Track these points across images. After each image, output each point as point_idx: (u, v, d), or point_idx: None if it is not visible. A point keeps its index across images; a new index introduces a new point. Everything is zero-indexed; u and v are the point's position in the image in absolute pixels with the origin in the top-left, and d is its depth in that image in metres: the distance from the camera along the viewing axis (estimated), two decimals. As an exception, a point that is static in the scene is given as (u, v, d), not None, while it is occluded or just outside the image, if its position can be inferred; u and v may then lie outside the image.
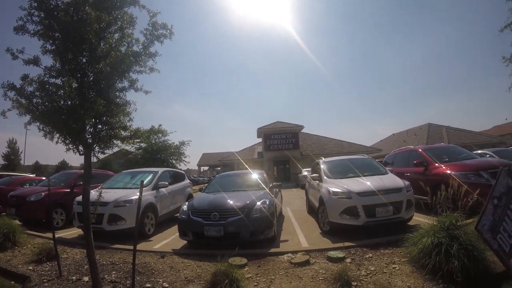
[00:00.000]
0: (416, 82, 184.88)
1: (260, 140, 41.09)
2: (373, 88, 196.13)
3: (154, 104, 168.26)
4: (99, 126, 5.16)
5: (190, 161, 67.98)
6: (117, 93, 5.41)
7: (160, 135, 33.71)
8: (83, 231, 4.95)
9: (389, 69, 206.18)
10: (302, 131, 41.59)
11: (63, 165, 52.61)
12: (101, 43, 4.90)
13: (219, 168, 49.23)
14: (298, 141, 38.83)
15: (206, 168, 64.81)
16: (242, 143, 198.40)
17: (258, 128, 39.01)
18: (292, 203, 15.02)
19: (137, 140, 5.45)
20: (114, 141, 5.43)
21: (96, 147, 5.18)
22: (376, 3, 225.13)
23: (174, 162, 33.79)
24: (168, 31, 5.51)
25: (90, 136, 5.04)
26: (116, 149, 6.01)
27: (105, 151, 5.44)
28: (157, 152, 32.40)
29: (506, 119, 71.54)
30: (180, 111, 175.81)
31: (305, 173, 19.09)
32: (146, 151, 32.75)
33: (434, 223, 5.26)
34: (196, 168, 66.09)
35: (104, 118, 5.13)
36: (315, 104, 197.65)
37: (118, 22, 5.14)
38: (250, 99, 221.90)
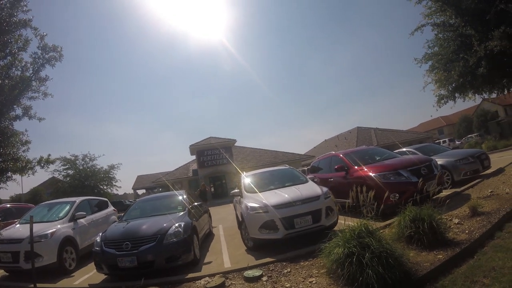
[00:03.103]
0: (344, 86, 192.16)
1: (194, 157, 40.53)
2: (305, 96, 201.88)
3: (79, 126, 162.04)
4: None
5: (125, 184, 66.46)
6: (9, 122, 5.01)
7: (87, 159, 32.73)
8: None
9: (319, 76, 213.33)
10: (236, 144, 41.47)
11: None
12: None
13: (158, 190, 48.18)
14: (232, 155, 38.58)
15: (143, 191, 63.14)
16: (177, 160, 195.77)
17: (190, 145, 38.32)
18: (226, 219, 14.78)
19: (30, 172, 5.08)
20: (8, 174, 5.03)
21: None
22: (305, 14, 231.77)
23: (105, 187, 32.90)
24: (58, 53, 5.18)
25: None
26: (10, 181, 5.60)
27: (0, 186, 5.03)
28: (86, 179, 31.31)
29: (431, 116, 76.19)
30: (109, 131, 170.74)
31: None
32: (74, 178, 31.58)
33: (345, 231, 5.12)
34: (132, 191, 64.22)
35: (1, 150, 4.73)
36: (249, 116, 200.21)
37: (8, 48, 4.75)
38: (182, 114, 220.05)
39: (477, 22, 12.12)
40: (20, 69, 5.00)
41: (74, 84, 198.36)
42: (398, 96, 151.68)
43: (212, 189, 39.23)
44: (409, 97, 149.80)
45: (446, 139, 49.02)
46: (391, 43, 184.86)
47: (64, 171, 32.80)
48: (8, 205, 14.32)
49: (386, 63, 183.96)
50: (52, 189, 34.36)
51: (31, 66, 5.06)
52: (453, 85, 13.61)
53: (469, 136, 51.67)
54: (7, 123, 4.95)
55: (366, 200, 5.87)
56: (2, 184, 5.00)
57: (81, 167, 32.85)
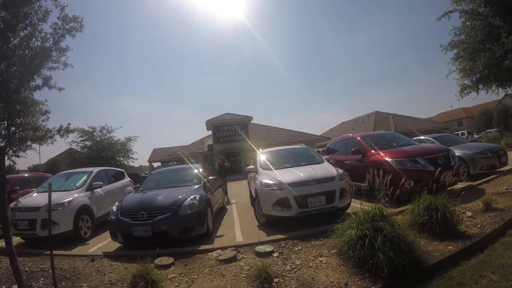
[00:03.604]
0: (363, 71, 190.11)
1: (209, 132, 40.64)
2: (322, 78, 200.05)
3: (98, 99, 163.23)
4: (13, 128, 4.86)
5: (141, 157, 66.75)
6: (30, 92, 5.12)
7: (105, 131, 32.98)
8: (4, 239, 4.66)
9: (337, 59, 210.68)
10: (251, 122, 41.44)
11: (8, 169, 50.39)
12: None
13: (173, 163, 48.55)
14: (248, 132, 38.61)
15: (159, 164, 63.68)
16: (193, 135, 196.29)
17: (206, 121, 38.47)
18: (239, 195, 14.99)
19: (49, 140, 5.17)
20: (28, 143, 5.15)
21: (10, 151, 4.89)
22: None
23: (121, 159, 33.18)
24: (79, 24, 5.24)
25: (1, 139, 4.75)
26: (30, 150, 5.72)
27: (19, 154, 5.15)
28: (103, 150, 31.60)
29: (451, 106, 74.91)
30: (127, 105, 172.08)
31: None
32: (92, 149, 31.91)
33: (359, 214, 5.11)
34: (147, 164, 64.84)
35: (20, 119, 4.85)
36: (265, 94, 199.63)
37: (28, 19, 4.83)
38: (199, 89, 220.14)
39: (507, 13, 11.73)
40: (40, 40, 5.05)
41: (94, 58, 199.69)
42: (417, 84, 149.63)
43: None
44: (429, 85, 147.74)
45: (465, 132, 48.19)
46: (413, 30, 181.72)
47: (82, 142, 33.09)
48: (26, 175, 14.55)
49: (407, 50, 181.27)
50: (69, 160, 34.81)
51: (51, 37, 5.11)
52: (477, 75, 13.25)
53: (488, 130, 50.69)
54: (27, 93, 5.04)
55: (382, 184, 5.85)
56: (21, 153, 5.10)
57: (98, 139, 33.08)
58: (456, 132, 44.54)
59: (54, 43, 5.12)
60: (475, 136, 45.85)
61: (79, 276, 5.73)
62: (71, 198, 8.94)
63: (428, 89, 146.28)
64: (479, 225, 5.90)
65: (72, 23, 5.16)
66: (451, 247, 5.04)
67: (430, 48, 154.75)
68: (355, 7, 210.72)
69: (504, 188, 8.53)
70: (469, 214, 6.62)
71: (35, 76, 5.10)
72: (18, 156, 5.14)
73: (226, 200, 13.40)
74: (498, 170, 11.49)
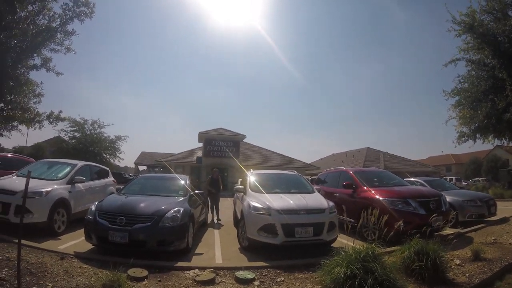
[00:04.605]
0: (361, 105, 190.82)
1: (200, 145, 40.48)
2: (319, 105, 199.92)
3: (95, 92, 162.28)
4: (1, 104, 4.60)
5: (128, 157, 66.35)
6: (26, 70, 4.87)
7: (96, 126, 32.76)
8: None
9: (337, 89, 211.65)
10: (244, 140, 41.35)
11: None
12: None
13: (159, 169, 48.17)
14: (239, 150, 38.45)
15: (145, 167, 63.19)
16: (183, 143, 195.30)
17: (200, 132, 38.31)
18: (223, 213, 14.40)
19: (37, 125, 4.93)
20: (14, 123, 4.88)
21: None
22: (335, 27, 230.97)
23: (107, 156, 32.92)
24: (90, 9, 5.02)
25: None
26: (15, 131, 5.47)
27: (3, 133, 4.88)
28: (91, 144, 31.34)
29: (442, 151, 75.84)
30: (122, 103, 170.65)
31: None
32: (80, 141, 31.62)
33: (349, 252, 4.91)
34: (133, 166, 64.35)
35: (11, 97, 4.60)
36: (259, 112, 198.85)
37: None
38: (196, 99, 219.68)
39: (513, 67, 11.88)
40: (47, 19, 4.83)
41: (97, 50, 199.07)
42: (411, 125, 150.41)
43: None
44: (422, 128, 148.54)
45: (453, 178, 48.47)
46: (412, 72, 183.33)
47: (71, 132, 32.88)
48: (9, 155, 14.17)
49: (404, 91, 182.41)
50: (56, 148, 34.38)
51: (59, 18, 4.89)
52: (476, 124, 13.36)
53: (476, 179, 51.33)
54: (23, 70, 4.79)
55: (375, 223, 5.70)
56: (6, 132, 4.84)
57: (88, 132, 32.90)
58: (444, 177, 44.73)
59: (61, 24, 4.90)
60: (463, 183, 46.14)
61: (45, 274, 5.42)
62: (50, 189, 8.65)
63: (421, 132, 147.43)
64: (467, 274, 5.83)
65: (83, 7, 4.94)
66: (438, 295, 4.84)
67: (428, 91, 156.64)
68: (362, 44, 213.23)
69: (492, 238, 8.63)
70: (458, 262, 6.53)
71: (34, 55, 4.85)
72: (1, 135, 4.88)
73: (215, 220, 12.51)
74: (487, 219, 11.55)
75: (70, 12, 4.59)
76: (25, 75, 4.70)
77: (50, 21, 4.57)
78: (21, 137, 40.76)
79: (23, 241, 6.99)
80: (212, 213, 12.79)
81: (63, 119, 7.40)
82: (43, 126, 6.31)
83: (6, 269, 5.39)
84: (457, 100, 14.06)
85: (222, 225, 11.75)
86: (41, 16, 4.52)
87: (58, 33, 4.66)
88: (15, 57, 4.18)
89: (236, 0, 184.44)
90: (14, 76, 4.28)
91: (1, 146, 41.98)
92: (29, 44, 4.22)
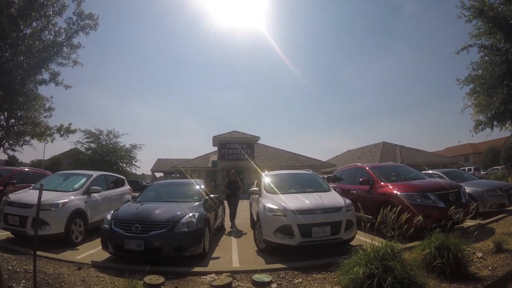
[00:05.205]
0: (374, 100, 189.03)
1: (215, 148, 40.65)
2: (332, 103, 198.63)
3: (107, 102, 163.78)
4: (12, 120, 4.63)
5: (145, 165, 66.95)
6: (35, 85, 4.90)
7: (111, 136, 33.09)
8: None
9: (349, 86, 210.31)
10: (258, 142, 41.49)
11: (12, 160, 50.46)
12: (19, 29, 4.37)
13: (175, 175, 48.42)
14: (254, 152, 38.59)
15: (161, 174, 63.63)
16: (198, 148, 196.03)
17: (213, 136, 38.59)
18: (239, 216, 14.26)
19: (49, 138, 4.99)
20: (26, 138, 4.93)
21: (6, 143, 4.66)
22: (344, 23, 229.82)
23: (124, 165, 33.19)
24: (94, 21, 5.04)
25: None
26: (27, 146, 5.52)
27: (15, 148, 4.94)
28: (107, 154, 31.63)
29: (459, 141, 74.78)
30: (135, 111, 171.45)
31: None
32: (96, 152, 31.94)
33: (368, 251, 4.81)
34: (150, 173, 64.82)
35: (21, 112, 4.62)
36: (273, 113, 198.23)
37: (43, 10, 4.62)
38: (209, 102, 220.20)
39: (527, 50, 11.58)
40: (53, 34, 4.87)
41: (106, 60, 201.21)
42: (426, 117, 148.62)
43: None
44: (437, 119, 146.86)
45: (472, 167, 47.74)
46: (424, 63, 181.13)
47: (87, 143, 33.27)
48: (26, 169, 14.46)
49: (417, 83, 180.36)
50: (73, 160, 34.79)
51: (64, 32, 4.93)
52: (493, 112, 13.05)
53: (494, 167, 50.34)
54: (31, 86, 4.83)
55: (394, 219, 5.56)
56: (18, 147, 4.88)
57: (104, 142, 33.24)
58: (462, 168, 44.09)
59: (66, 39, 4.95)
60: (482, 172, 45.34)
61: (63, 284, 5.42)
62: (66, 200, 8.72)
63: (437, 123, 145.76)
64: (490, 267, 5.68)
65: (87, 20, 4.98)
66: (461, 291, 4.71)
67: (442, 81, 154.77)
68: (372, 37, 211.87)
69: None
70: (480, 254, 6.37)
71: (42, 70, 4.91)
72: (14, 150, 4.96)
73: (232, 226, 11.72)
74: (508, 209, 11.32)
75: (75, 26, 4.65)
76: (34, 91, 4.79)
77: (56, 36, 4.65)
78: (39, 151, 41.31)
79: (40, 253, 7.08)
80: (231, 220, 11.97)
81: (73, 131, 7.49)
82: (54, 139, 6.42)
83: (23, 281, 5.41)
84: (472, 88, 13.74)
85: (241, 231, 11.11)
86: (46, 32, 4.61)
87: (65, 47, 4.74)
88: (23, 73, 4.26)
89: (239, 2, 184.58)
90: (23, 92, 4.36)
91: (19, 161, 42.73)
92: (36, 60, 4.29)
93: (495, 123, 13.64)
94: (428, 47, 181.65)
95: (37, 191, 8.62)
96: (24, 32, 4.54)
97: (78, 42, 5.04)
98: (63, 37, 4.93)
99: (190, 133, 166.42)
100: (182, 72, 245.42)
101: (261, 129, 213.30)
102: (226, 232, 10.50)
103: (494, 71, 12.87)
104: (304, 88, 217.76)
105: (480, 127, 13.87)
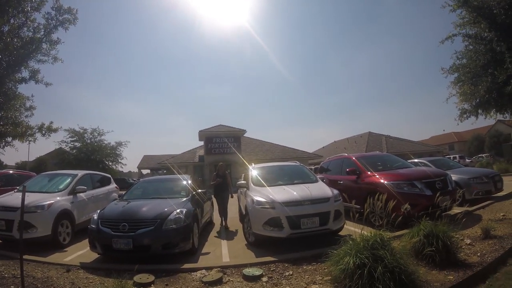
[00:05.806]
0: (360, 91, 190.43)
1: (201, 143, 40.50)
2: (319, 94, 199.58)
3: (91, 100, 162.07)
4: None
5: (131, 162, 66.53)
6: (14, 84, 4.77)
7: (96, 134, 32.82)
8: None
9: (334, 78, 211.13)
10: (245, 135, 41.47)
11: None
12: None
13: (162, 171, 48.15)
14: (240, 146, 38.58)
15: (148, 171, 63.17)
16: (185, 143, 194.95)
17: (199, 131, 38.45)
18: (227, 209, 14.39)
19: (30, 138, 4.84)
20: (8, 139, 4.80)
21: None
22: (328, 14, 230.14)
23: (110, 163, 32.97)
24: (73, 16, 4.92)
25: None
26: (10, 147, 5.38)
27: None
28: (92, 153, 31.35)
29: (444, 130, 75.58)
30: (120, 108, 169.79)
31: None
32: (81, 151, 31.65)
33: (358, 240, 4.79)
34: (137, 170, 64.34)
35: (1, 113, 4.51)
36: (260, 106, 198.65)
37: (21, 6, 4.50)
38: (194, 96, 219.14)
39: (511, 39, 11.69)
40: (32, 30, 4.74)
41: (89, 58, 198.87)
42: (411, 106, 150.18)
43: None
44: (422, 108, 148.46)
45: (457, 156, 48.36)
46: (409, 53, 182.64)
47: (72, 143, 32.96)
48: (11, 171, 14.30)
49: (402, 72, 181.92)
50: (58, 160, 34.41)
51: (43, 28, 4.79)
52: (478, 100, 13.20)
53: (479, 155, 51.07)
54: (11, 85, 4.70)
55: (382, 208, 5.57)
56: (0, 149, 4.76)
57: (88, 141, 32.95)
58: (448, 156, 44.57)
59: (45, 35, 4.81)
60: (467, 160, 45.96)
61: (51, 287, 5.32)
62: (52, 201, 8.56)
63: (422, 112, 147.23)
64: (478, 254, 5.73)
65: (66, 15, 4.84)
66: (451, 277, 4.80)
67: (427, 71, 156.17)
68: (358, 27, 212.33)
69: (501, 214, 8.50)
70: (468, 241, 6.44)
71: (22, 68, 4.76)
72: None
73: (223, 224, 10.70)
74: (494, 195, 11.45)
75: (53, 21, 4.53)
76: (13, 89, 4.65)
77: (34, 33, 4.51)
78: (24, 152, 41.03)
79: (28, 257, 6.96)
80: (221, 217, 10.88)
81: (55, 130, 7.41)
82: (36, 139, 6.30)
83: (12, 286, 5.35)
84: (456, 76, 13.87)
85: (232, 231, 10.09)
86: (25, 29, 4.46)
87: (44, 43, 4.60)
88: (2, 72, 4.12)
89: (223, 1, 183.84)
90: (2, 91, 4.21)
91: (4, 163, 42.09)
92: (15, 57, 4.15)
93: (479, 111, 13.82)
94: (413, 37, 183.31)
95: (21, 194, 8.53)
96: (2, 29, 4.40)
97: (58, 38, 4.93)
98: (42, 33, 4.80)
99: (177, 129, 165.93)
100: (167, 68, 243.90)
101: (248, 123, 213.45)
102: (215, 235, 9.90)
103: (478, 60, 13.00)
104: (290, 80, 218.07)
105: (465, 116, 14.05)
